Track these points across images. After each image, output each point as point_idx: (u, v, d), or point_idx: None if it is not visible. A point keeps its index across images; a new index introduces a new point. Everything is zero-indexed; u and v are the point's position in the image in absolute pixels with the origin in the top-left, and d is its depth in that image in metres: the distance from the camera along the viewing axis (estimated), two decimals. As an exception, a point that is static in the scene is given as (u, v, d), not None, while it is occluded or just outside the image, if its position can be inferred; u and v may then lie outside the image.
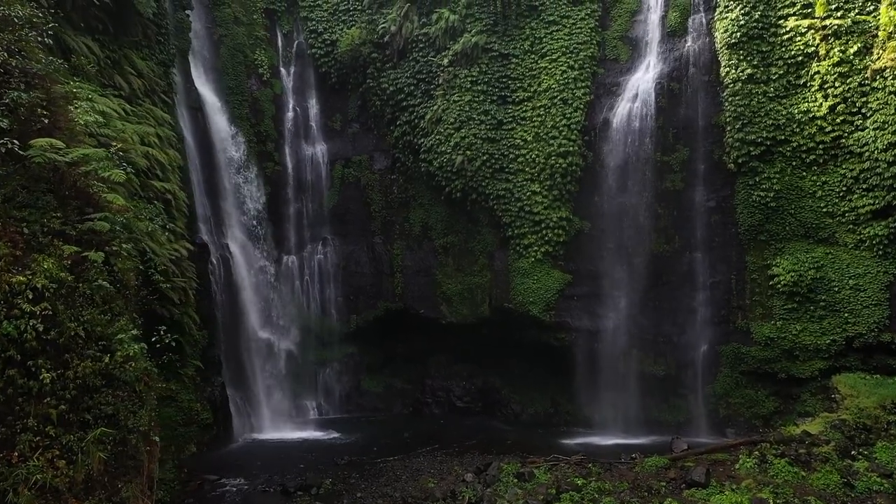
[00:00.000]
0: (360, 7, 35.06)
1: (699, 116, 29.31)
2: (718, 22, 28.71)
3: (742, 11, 27.98)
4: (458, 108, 31.88)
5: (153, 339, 13.07)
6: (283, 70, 35.70)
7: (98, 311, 11.18)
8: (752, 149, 27.72)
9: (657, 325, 29.85)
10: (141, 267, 15.18)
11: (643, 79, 30.12)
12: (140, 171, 21.17)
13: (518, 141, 31.17)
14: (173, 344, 13.76)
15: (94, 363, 10.75)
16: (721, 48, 28.54)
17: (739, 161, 27.99)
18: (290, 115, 35.47)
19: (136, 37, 24.39)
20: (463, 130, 31.66)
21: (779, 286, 27.24)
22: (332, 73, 35.43)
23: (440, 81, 32.68)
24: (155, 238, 20.29)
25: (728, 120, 28.21)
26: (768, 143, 27.53)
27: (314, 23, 35.51)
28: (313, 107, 36.03)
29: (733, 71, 28.10)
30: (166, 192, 23.01)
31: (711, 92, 29.12)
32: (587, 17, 31.44)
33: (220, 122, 31.54)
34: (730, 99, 28.16)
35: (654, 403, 30.07)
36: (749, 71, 27.76)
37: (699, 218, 29.26)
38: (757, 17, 27.80)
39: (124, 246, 12.22)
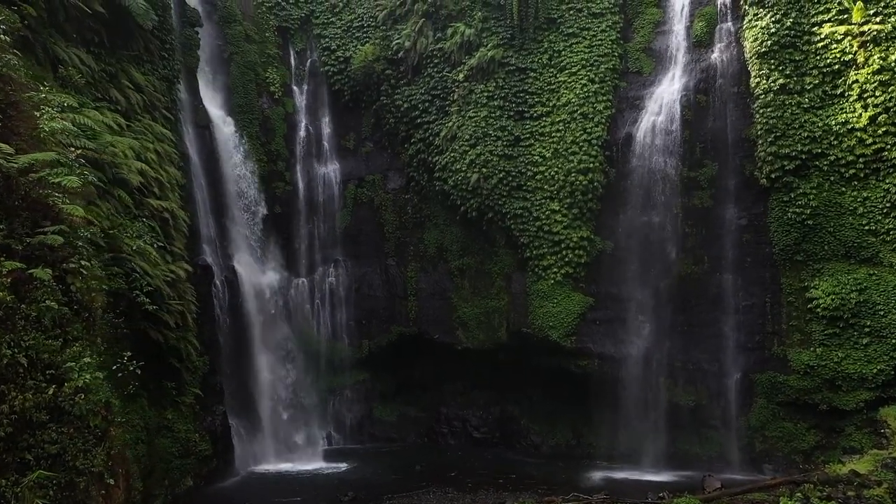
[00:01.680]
0: (374, 24, 34.20)
1: (728, 130, 27.73)
2: (747, 31, 27.22)
3: (773, 19, 26.47)
4: (473, 125, 30.67)
5: (114, 367, 11.72)
6: (295, 88, 34.86)
7: (45, 336, 9.89)
8: (786, 163, 25.99)
9: (686, 352, 27.99)
10: (105, 287, 13.85)
11: (668, 91, 28.66)
12: (134, 188, 20.17)
13: (536, 157, 29.81)
14: (138, 372, 12.40)
15: (36, 395, 9.44)
16: (751, 58, 27.01)
17: (773, 176, 26.26)
18: (302, 133, 34.53)
19: (137, 51, 23.58)
20: (479, 147, 30.39)
21: (818, 310, 25.29)
22: (345, 90, 34.51)
23: (455, 97, 31.56)
24: (146, 258, 19.16)
25: (760, 133, 26.56)
26: (803, 156, 25.79)
27: (327, 40, 34.70)
28: (326, 125, 35.07)
29: (764, 81, 26.52)
30: (163, 211, 21.94)
31: (741, 104, 27.56)
32: (608, 28, 30.16)
33: (228, 140, 30.64)
34: (761, 111, 26.55)
35: (683, 436, 28.11)
36: (781, 81, 26.15)
37: (729, 237, 27.52)
38: (789, 24, 26.25)
39: (84, 263, 10.96)
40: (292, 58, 35.03)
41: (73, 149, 12.09)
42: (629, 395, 28.52)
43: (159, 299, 20.37)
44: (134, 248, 17.17)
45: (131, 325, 19.92)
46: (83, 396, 9.85)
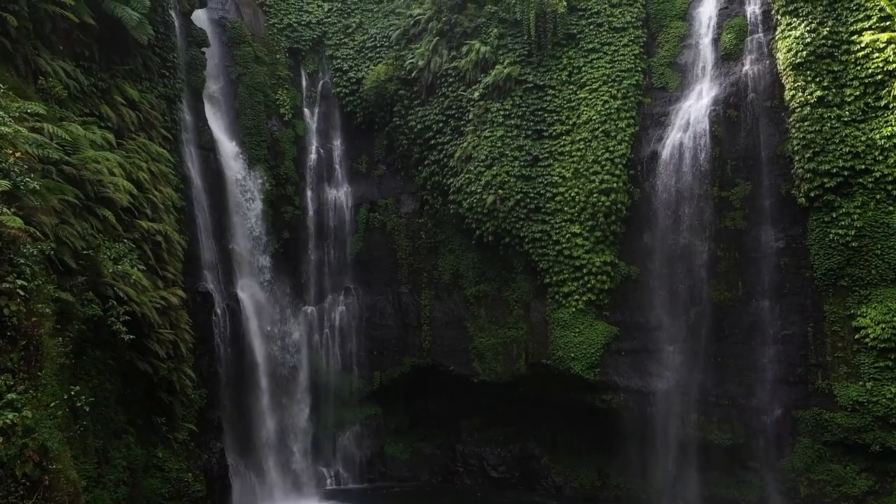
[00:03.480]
0: (387, 44, 33.21)
1: (762, 146, 25.98)
2: (780, 41, 25.59)
3: (808, 28, 24.81)
4: (489, 144, 29.23)
5: (52, 404, 10.16)
6: (306, 110, 33.81)
7: (-39, 368, 8.38)
8: (826, 180, 24.06)
9: (720, 386, 25.91)
10: (49, 311, 12.34)
11: (695, 106, 27.05)
12: (122, 207, 18.87)
13: (556, 178, 28.28)
14: (87, 409, 10.83)
15: (-57, 439, 7.87)
16: (785, 70, 25.32)
17: (812, 195, 24.33)
18: (312, 156, 33.35)
19: (134, 67, 22.53)
20: (495, 168, 28.90)
21: (867, 340, 23.12)
22: (357, 112, 33.37)
23: (470, 117, 30.22)
24: (131, 282, 17.76)
25: (796, 149, 24.73)
26: (845, 173, 23.85)
27: (340, 61, 33.72)
28: (338, 148, 33.89)
29: (800, 94, 24.77)
30: (156, 234, 20.60)
31: (775, 118, 25.82)
32: (630, 43, 28.80)
33: (234, 163, 29.53)
34: (797, 125, 24.75)
35: (718, 478, 25.91)
36: (819, 93, 24.37)
37: (766, 261, 25.55)
38: (825, 33, 24.54)
39: (21, 283, 9.49)
40: (304, 80, 34.06)
41: (10, 151, 10.78)
42: (658, 433, 26.58)
43: (147, 327, 19.03)
44: (112, 270, 15.74)
45: (116, 356, 18.63)
46: (2, 441, 8.28)
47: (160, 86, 24.19)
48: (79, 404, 10.50)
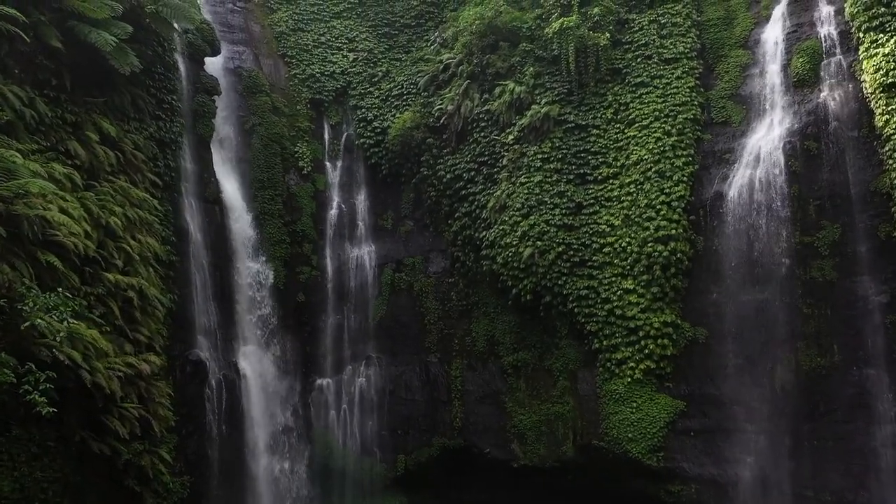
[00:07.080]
0: (414, 91, 30.70)
1: (850, 182, 21.99)
2: (865, 61, 22.02)
3: (898, 43, 21.09)
4: (525, 192, 25.89)
5: None
6: (328, 164, 31.15)
7: None
8: (938, 218, 19.75)
9: (819, 476, 21.07)
10: None
11: (766, 139, 23.41)
12: (79, 255, 15.88)
13: (603, 227, 24.76)
14: None
15: None
16: (874, 92, 21.60)
17: (921, 237, 19.98)
18: (333, 212, 30.39)
19: (119, 103, 20.20)
20: (532, 217, 25.43)
21: None
22: (382, 164, 30.54)
23: (505, 162, 27.07)
24: (82, 344, 14.53)
25: (896, 183, 20.54)
26: (963, 209, 19.52)
27: (364, 111, 31.21)
28: (361, 203, 30.92)
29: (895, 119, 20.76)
30: (127, 289, 17.52)
31: (865, 149, 21.97)
32: (684, 75, 25.73)
33: (243, 218, 26.87)
34: (895, 155, 20.61)
35: None
36: (919, 116, 20.37)
37: (866, 319, 21.13)
38: (921, 47, 20.77)
39: None
40: (326, 131, 31.57)
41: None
42: (743, 536, 21.58)
43: (103, 400, 15.70)
44: (41, 325, 12.49)
45: (61, 435, 15.28)
46: None
47: (152, 127, 21.78)
48: None
